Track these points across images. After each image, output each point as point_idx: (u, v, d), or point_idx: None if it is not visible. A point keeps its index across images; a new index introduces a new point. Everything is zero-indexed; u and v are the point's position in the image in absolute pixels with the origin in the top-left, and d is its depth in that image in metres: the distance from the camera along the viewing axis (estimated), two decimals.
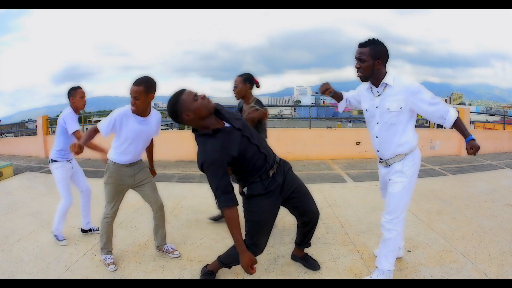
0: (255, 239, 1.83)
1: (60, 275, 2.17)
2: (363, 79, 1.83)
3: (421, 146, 6.84)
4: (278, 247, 2.46)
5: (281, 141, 6.00)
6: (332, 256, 2.37)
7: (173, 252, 2.43)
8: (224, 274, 2.16)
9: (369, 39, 1.77)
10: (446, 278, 2.05)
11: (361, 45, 1.77)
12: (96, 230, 2.81)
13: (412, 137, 1.86)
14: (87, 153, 2.29)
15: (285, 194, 1.87)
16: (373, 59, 1.73)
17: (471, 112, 7.02)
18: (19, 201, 3.80)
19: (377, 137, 1.90)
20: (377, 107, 1.84)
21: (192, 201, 3.65)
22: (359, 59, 1.77)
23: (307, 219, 2.03)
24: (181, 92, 1.61)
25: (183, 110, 1.58)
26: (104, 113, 20.21)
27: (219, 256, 2.01)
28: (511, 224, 2.82)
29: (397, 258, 2.19)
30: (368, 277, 2.03)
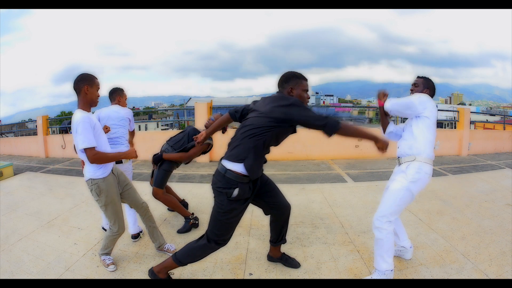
0: (223, 236, 1.86)
1: (60, 275, 2.17)
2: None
3: None
4: None
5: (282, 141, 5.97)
6: (332, 256, 2.37)
7: (174, 251, 2.43)
8: (225, 274, 2.16)
9: (424, 77, 2.19)
10: (446, 278, 2.05)
11: (419, 77, 2.19)
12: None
13: (421, 144, 1.96)
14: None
15: (257, 192, 1.93)
16: (423, 88, 2.14)
17: (471, 112, 7.01)
18: (19, 201, 3.81)
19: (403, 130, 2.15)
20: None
21: (192, 201, 3.65)
22: (414, 84, 2.19)
23: (278, 212, 2.08)
24: (306, 78, 1.91)
25: (294, 85, 1.87)
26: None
27: (175, 254, 1.94)
28: (511, 224, 2.82)
29: (405, 259, 2.25)
30: (368, 277, 2.03)
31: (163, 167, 2.88)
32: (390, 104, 2.09)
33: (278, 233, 2.19)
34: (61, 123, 9.38)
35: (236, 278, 2.13)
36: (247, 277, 2.13)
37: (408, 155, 1.98)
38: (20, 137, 10.41)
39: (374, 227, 1.99)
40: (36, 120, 7.66)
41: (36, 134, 7.73)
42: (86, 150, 1.91)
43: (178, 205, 2.92)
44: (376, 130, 2.00)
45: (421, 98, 1.99)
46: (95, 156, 1.93)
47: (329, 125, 1.69)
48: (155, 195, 2.88)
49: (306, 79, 1.92)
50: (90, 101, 2.03)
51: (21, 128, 15.46)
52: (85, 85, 1.99)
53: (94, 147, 1.93)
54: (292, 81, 1.88)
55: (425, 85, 2.15)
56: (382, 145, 1.84)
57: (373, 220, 2.00)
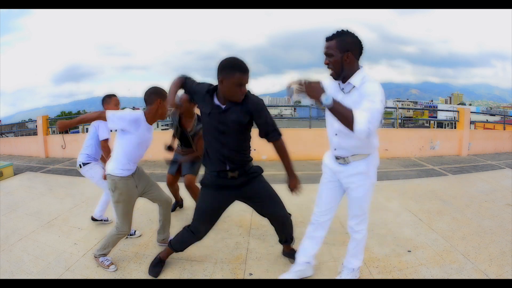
0: (195, 222, 2.01)
1: (60, 275, 2.17)
2: (336, 76, 1.63)
3: (421, 146, 6.83)
4: (278, 247, 2.46)
5: None
6: (332, 256, 2.37)
7: None
8: (225, 274, 2.16)
9: (337, 31, 1.57)
10: (446, 278, 2.05)
11: (328, 39, 1.57)
12: (107, 221, 3.03)
13: (374, 141, 1.71)
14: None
15: (244, 194, 1.98)
16: (341, 52, 1.54)
17: (471, 112, 7.01)
18: (19, 201, 3.80)
19: (336, 134, 1.72)
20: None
21: (192, 201, 3.65)
22: (326, 54, 1.58)
23: (270, 220, 2.13)
24: (243, 70, 1.69)
25: (226, 76, 1.67)
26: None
27: (170, 241, 2.15)
28: (511, 224, 2.82)
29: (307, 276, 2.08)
30: (338, 277, 2.01)
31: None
32: (366, 124, 1.40)
33: (280, 234, 2.21)
34: None
35: (236, 278, 2.13)
36: (247, 277, 2.13)
37: (359, 153, 1.74)
38: (20, 137, 10.40)
39: (352, 231, 1.91)
40: (36, 120, 7.65)
41: (36, 134, 7.73)
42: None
43: None
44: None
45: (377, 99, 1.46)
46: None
47: (272, 134, 1.86)
48: (189, 183, 2.88)
49: (242, 71, 1.66)
50: (161, 115, 2.12)
51: (21, 128, 15.45)
52: (158, 98, 2.05)
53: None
54: (224, 71, 1.66)
55: (342, 47, 1.53)
56: (295, 185, 1.87)
57: (349, 225, 1.93)
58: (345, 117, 1.41)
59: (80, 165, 2.80)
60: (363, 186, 1.77)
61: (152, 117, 2.10)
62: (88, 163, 2.79)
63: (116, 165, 2.09)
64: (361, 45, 1.58)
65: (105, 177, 2.45)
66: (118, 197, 2.10)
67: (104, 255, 2.26)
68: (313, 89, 1.45)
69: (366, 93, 1.51)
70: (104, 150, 2.74)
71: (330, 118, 1.72)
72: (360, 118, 1.39)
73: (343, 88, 1.65)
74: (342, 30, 1.57)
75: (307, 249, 2.00)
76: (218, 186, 1.92)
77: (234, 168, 1.88)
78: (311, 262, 2.06)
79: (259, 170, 2.02)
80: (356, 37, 1.56)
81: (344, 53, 1.54)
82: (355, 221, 1.88)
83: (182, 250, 2.15)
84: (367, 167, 1.73)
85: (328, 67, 1.61)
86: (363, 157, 1.72)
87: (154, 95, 2.05)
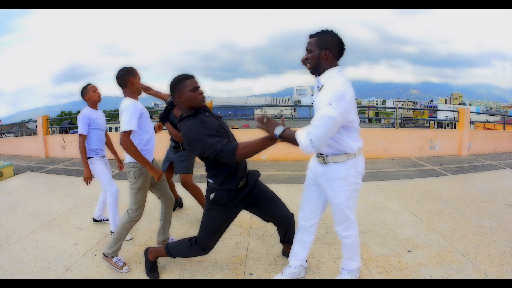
0: (205, 240, 1.95)
1: (60, 275, 2.17)
2: (312, 71, 1.66)
3: (421, 146, 6.82)
4: (278, 247, 2.46)
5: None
6: (332, 256, 2.37)
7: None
8: (225, 274, 2.16)
9: (321, 30, 1.63)
10: (446, 278, 2.05)
11: (310, 36, 1.64)
12: (106, 220, 3.01)
13: (352, 138, 1.67)
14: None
15: (248, 202, 1.97)
16: (319, 49, 1.59)
17: (471, 112, 7.01)
18: (19, 201, 3.81)
19: None
20: (312, 103, 1.73)
21: (192, 201, 3.65)
22: (307, 49, 1.64)
23: (276, 222, 2.11)
24: (189, 77, 1.80)
25: (179, 90, 1.77)
26: (104, 113, 20.14)
27: (167, 245, 2.08)
28: (511, 224, 2.82)
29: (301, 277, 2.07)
30: (338, 277, 2.01)
31: (182, 156, 2.91)
32: (306, 138, 1.48)
33: (283, 236, 2.21)
34: (61, 123, 9.39)
35: (236, 278, 2.13)
36: (247, 277, 2.13)
37: (334, 153, 1.70)
38: (20, 137, 10.41)
39: (341, 237, 1.85)
40: (36, 120, 7.66)
41: (36, 134, 7.73)
42: (123, 134, 2.07)
43: (202, 198, 2.95)
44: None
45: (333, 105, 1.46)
46: (126, 142, 2.07)
47: (224, 152, 1.61)
48: (185, 182, 2.88)
49: (189, 78, 1.80)
50: (137, 90, 2.26)
51: (21, 128, 15.46)
52: (130, 77, 2.21)
53: (130, 130, 2.09)
54: (176, 88, 1.79)
55: (321, 44, 1.59)
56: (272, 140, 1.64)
57: (337, 231, 1.86)
58: (292, 141, 1.54)
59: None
60: (341, 193, 1.72)
61: (131, 94, 2.22)
62: (90, 157, 2.79)
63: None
64: (341, 45, 1.62)
65: (121, 168, 2.65)
66: (141, 185, 2.21)
67: (117, 253, 2.26)
68: (269, 125, 1.60)
69: (321, 96, 1.55)
70: (80, 146, 2.71)
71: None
72: (301, 137, 1.50)
73: (318, 86, 1.68)
74: (326, 29, 1.62)
75: (298, 253, 2.00)
76: (229, 202, 1.88)
77: (241, 176, 1.89)
78: (304, 265, 2.07)
79: (257, 173, 2.03)
80: (337, 37, 1.61)
81: (322, 50, 1.59)
82: (341, 227, 1.82)
83: (177, 257, 2.12)
84: (345, 173, 1.68)
85: (305, 63, 1.66)
86: (342, 159, 1.68)
87: (125, 76, 2.21)
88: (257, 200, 1.98)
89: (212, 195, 1.86)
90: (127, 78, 2.20)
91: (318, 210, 1.92)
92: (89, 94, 2.79)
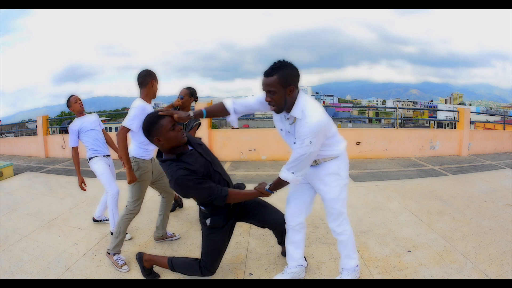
0: (213, 263, 1.93)
1: (60, 275, 2.17)
2: (278, 111, 1.62)
3: (421, 146, 6.82)
4: (278, 247, 2.46)
5: (282, 141, 5.99)
6: (332, 256, 2.37)
7: (173, 236, 2.70)
8: (225, 274, 2.16)
9: (274, 64, 1.52)
10: (446, 278, 2.05)
11: (267, 74, 1.52)
12: (106, 220, 3.04)
13: (336, 144, 1.75)
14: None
15: (241, 214, 1.99)
16: (283, 88, 1.51)
17: (471, 112, 7.01)
18: (19, 201, 3.81)
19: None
20: (288, 132, 1.71)
21: (192, 201, 3.65)
22: (268, 91, 1.54)
23: (270, 226, 2.10)
24: (162, 117, 1.68)
25: (157, 134, 1.67)
26: (104, 113, 20.22)
27: (171, 260, 1.99)
28: (511, 224, 2.82)
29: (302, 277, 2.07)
30: (338, 277, 2.00)
31: None
32: (287, 172, 1.66)
33: (280, 237, 2.20)
34: (61, 123, 9.38)
35: (236, 278, 2.13)
36: (247, 277, 2.13)
37: (324, 157, 1.77)
38: (20, 137, 10.40)
39: (335, 234, 1.88)
40: (36, 120, 7.66)
41: (36, 134, 7.73)
42: (121, 127, 2.19)
43: None
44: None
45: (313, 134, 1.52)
46: (120, 136, 2.17)
47: (217, 199, 1.70)
48: None
49: (162, 117, 1.67)
50: (153, 94, 2.35)
51: (21, 128, 15.46)
52: (152, 79, 2.30)
53: (129, 128, 2.19)
54: (152, 131, 1.67)
55: (284, 82, 1.50)
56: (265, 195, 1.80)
57: (331, 228, 1.89)
58: (281, 183, 1.72)
59: (87, 159, 2.90)
60: (335, 187, 1.78)
61: (146, 96, 2.30)
62: (93, 157, 2.86)
63: (137, 148, 2.34)
64: (299, 73, 1.56)
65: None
66: (141, 176, 2.30)
67: (119, 250, 2.29)
68: (262, 193, 1.77)
69: (299, 132, 1.57)
70: (73, 157, 2.81)
71: (287, 140, 1.79)
72: (284, 175, 1.67)
73: (288, 118, 1.66)
74: (280, 63, 1.52)
75: (293, 255, 2.00)
76: (226, 223, 1.90)
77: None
78: (303, 264, 2.07)
79: (242, 186, 1.98)
80: (295, 68, 1.54)
81: (286, 88, 1.52)
82: (335, 223, 1.85)
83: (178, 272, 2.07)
84: (337, 167, 1.77)
85: (270, 104, 1.59)
86: (333, 158, 1.77)
87: (148, 77, 2.30)
88: (246, 210, 2.00)
89: (208, 221, 1.86)
90: (149, 80, 2.29)
91: (303, 209, 1.93)
92: (72, 106, 2.90)
